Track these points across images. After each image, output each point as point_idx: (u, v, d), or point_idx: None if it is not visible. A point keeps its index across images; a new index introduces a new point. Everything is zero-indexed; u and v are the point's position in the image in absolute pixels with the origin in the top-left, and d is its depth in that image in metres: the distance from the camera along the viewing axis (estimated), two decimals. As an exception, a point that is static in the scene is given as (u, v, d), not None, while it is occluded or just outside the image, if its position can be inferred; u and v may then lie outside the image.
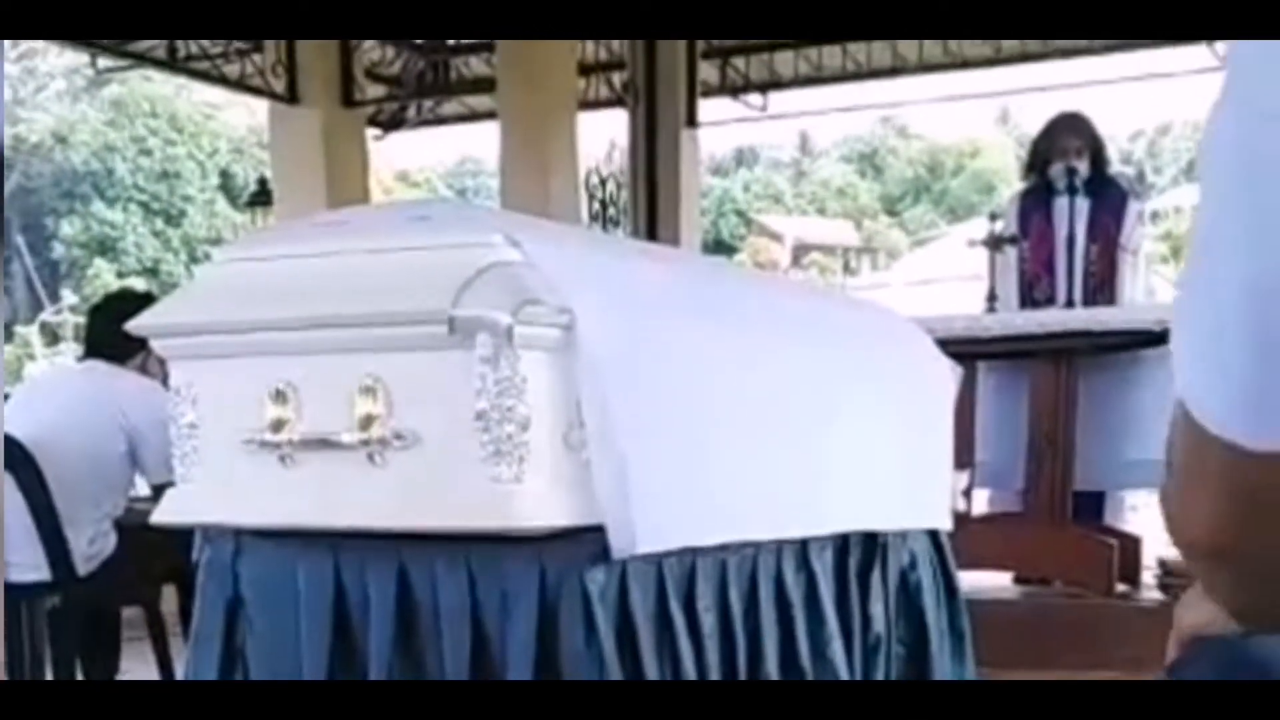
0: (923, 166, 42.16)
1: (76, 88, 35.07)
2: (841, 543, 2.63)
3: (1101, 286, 5.74)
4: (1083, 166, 5.70)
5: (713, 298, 2.42)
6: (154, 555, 4.08)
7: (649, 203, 9.50)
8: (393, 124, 11.08)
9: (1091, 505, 5.52)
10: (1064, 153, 5.74)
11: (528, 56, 8.92)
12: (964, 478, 5.08)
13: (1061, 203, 5.72)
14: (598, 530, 1.94)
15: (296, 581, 2.10)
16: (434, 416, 1.93)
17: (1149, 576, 5.20)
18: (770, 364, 2.40)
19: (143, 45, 9.48)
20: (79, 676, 4.33)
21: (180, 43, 9.44)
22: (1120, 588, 5.11)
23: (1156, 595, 4.99)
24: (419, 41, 9.75)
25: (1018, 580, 5.52)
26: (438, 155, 38.05)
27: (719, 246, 33.41)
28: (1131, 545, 5.25)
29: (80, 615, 4.30)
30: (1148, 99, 23.73)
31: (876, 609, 2.73)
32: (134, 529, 4.35)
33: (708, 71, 10.11)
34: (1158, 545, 5.08)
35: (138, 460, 4.29)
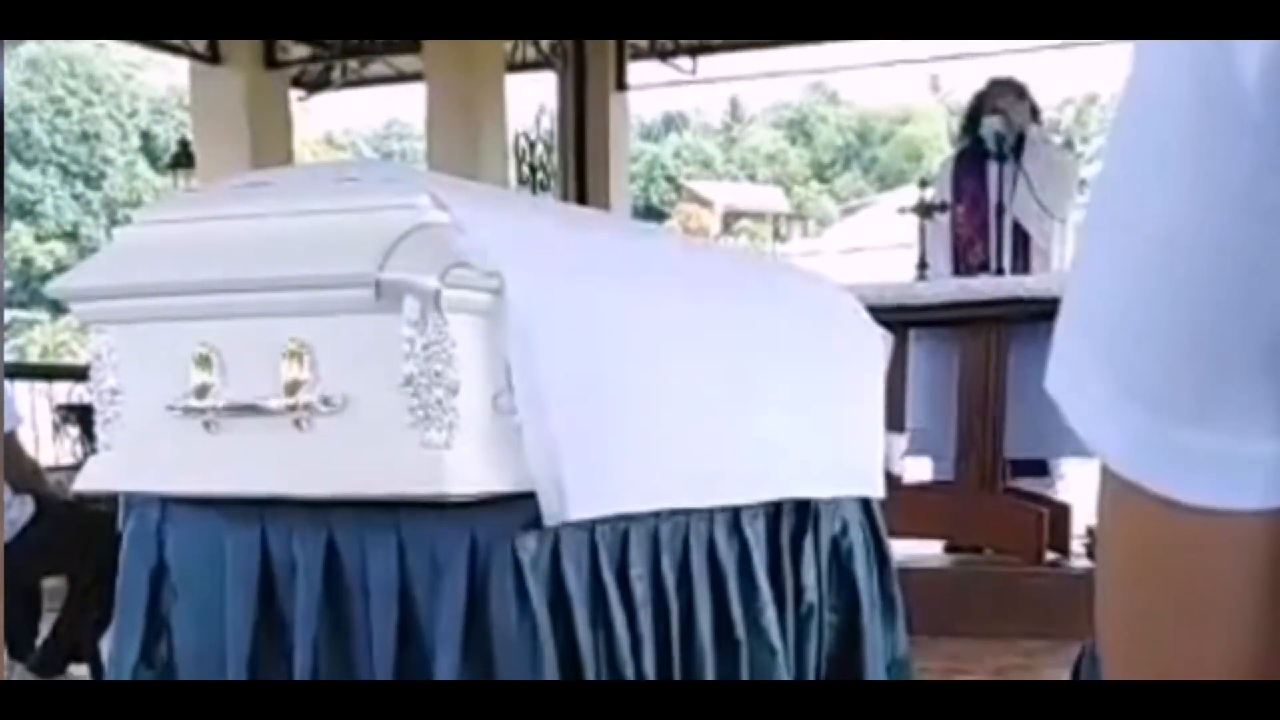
0: (853, 133, 42.16)
1: (-8, 47, 34.41)
2: (774, 510, 2.62)
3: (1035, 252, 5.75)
4: (1013, 132, 5.70)
5: (644, 264, 2.39)
6: (75, 524, 4.02)
7: (578, 167, 9.45)
8: (317, 85, 10.92)
9: (1037, 471, 5.56)
10: (994, 118, 5.74)
11: (455, 18, 8.81)
12: (902, 443, 5.09)
13: (994, 168, 5.72)
14: (529, 497, 1.91)
15: (222, 550, 2.06)
16: (361, 381, 1.89)
17: (1078, 545, 5.23)
18: (702, 331, 2.38)
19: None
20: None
21: None
22: (1050, 556, 5.14)
23: (1086, 563, 5.02)
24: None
25: (949, 549, 5.54)
26: (364, 117, 37.60)
27: (649, 212, 33.34)
28: (1061, 513, 5.28)
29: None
30: (1077, 67, 23.82)
31: (809, 576, 2.72)
32: (54, 497, 4.29)
33: (637, 35, 10.05)
34: (1087, 513, 5.10)
35: None
